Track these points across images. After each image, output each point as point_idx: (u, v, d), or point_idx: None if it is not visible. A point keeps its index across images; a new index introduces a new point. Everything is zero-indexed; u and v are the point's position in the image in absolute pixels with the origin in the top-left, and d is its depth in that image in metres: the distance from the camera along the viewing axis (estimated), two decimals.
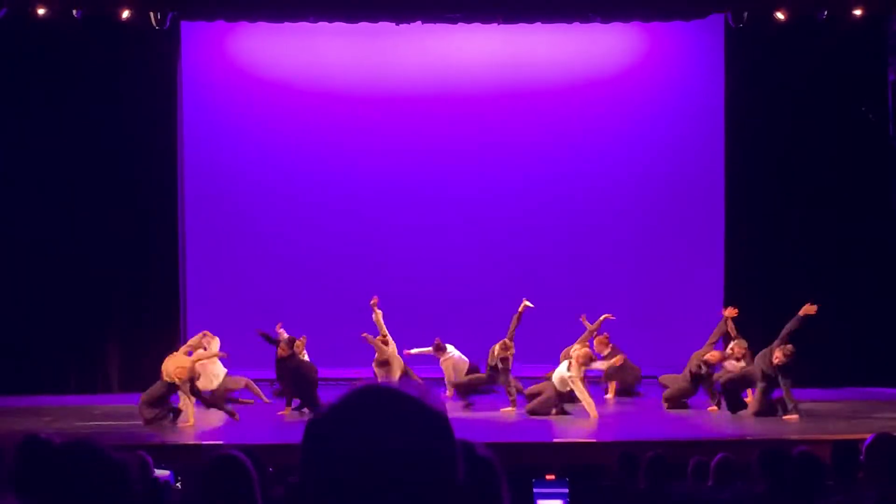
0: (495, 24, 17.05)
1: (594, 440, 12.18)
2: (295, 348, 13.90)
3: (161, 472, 7.74)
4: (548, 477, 3.82)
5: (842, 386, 16.14)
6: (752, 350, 14.03)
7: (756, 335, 16.80)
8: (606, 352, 15.11)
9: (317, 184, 18.42)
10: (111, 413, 14.13)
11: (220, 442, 11.94)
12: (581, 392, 13.33)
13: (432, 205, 18.45)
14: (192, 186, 17.65)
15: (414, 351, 15.21)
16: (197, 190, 17.80)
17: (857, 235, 16.74)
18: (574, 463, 9.65)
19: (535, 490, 3.74)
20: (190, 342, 14.28)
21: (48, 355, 15.94)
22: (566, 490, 3.79)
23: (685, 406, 14.16)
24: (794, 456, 6.20)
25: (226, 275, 16.53)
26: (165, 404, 13.17)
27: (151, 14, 16.13)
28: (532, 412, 13.55)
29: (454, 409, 13.71)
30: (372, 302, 14.75)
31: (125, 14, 15.87)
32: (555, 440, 12.31)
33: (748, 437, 11.71)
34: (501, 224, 18.39)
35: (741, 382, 13.87)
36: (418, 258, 18.05)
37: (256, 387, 14.95)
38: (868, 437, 5.93)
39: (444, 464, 1.75)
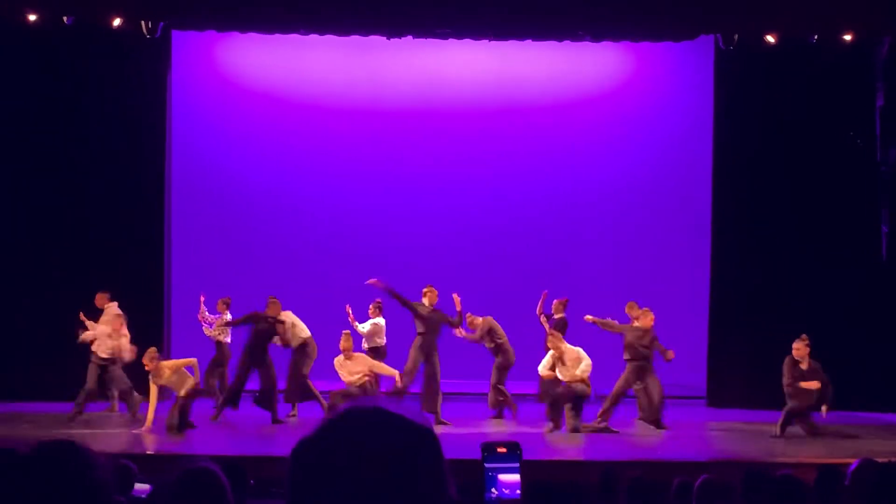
0: (486, 41, 17.07)
1: (575, 458, 12.10)
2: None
3: (141, 487, 7.60)
4: (499, 450, 3.79)
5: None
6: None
7: (742, 358, 16.82)
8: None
9: (303, 194, 18.44)
10: (92, 420, 14.07)
11: (205, 453, 11.87)
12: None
13: (419, 217, 18.46)
14: (178, 195, 17.62)
15: None
16: (184, 198, 17.77)
17: (844, 258, 16.75)
18: (553, 481, 9.59)
19: (486, 465, 3.72)
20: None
21: (28, 361, 15.85)
22: (517, 464, 3.76)
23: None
24: (775, 478, 6.18)
25: (211, 285, 16.49)
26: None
27: (143, 23, 16.12)
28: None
29: (437, 426, 13.69)
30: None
31: (116, 22, 15.85)
32: (533, 458, 12.24)
33: (733, 459, 11.65)
34: (487, 239, 18.40)
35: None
36: (402, 268, 18.02)
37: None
38: (853, 462, 5.91)
39: (433, 482, 1.73)
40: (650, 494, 7.33)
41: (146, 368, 13.28)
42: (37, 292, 16.17)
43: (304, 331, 14.70)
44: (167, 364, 13.38)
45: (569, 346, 13.83)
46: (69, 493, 2.32)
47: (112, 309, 14.78)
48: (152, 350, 13.38)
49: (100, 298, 14.89)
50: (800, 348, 13.60)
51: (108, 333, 14.40)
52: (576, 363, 13.66)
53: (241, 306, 15.60)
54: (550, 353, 13.89)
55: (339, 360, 14.39)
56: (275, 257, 18.16)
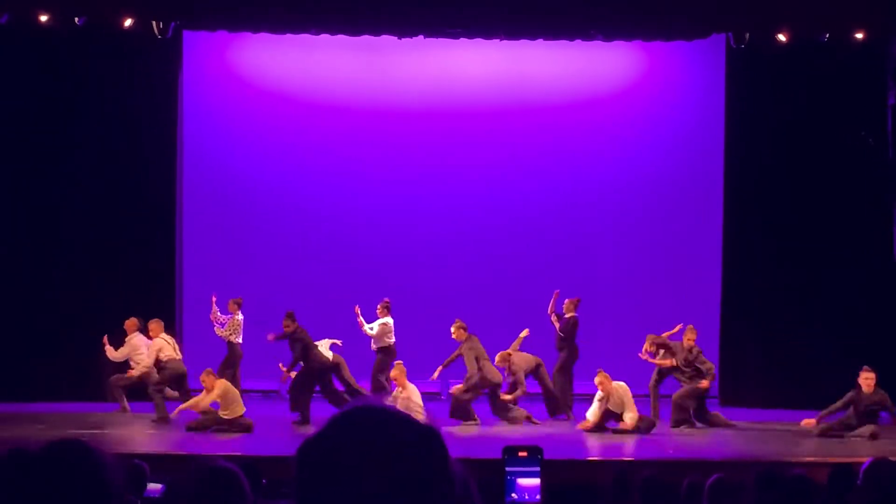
0: (497, 40, 17.06)
1: (588, 458, 12.09)
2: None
3: (154, 486, 7.62)
4: (520, 454, 3.80)
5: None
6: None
7: (754, 358, 16.77)
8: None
9: (314, 194, 18.42)
10: (106, 420, 14.11)
11: (216, 453, 11.88)
12: None
13: (429, 217, 18.44)
14: (189, 195, 17.64)
15: None
16: (194, 198, 17.78)
17: (856, 259, 16.70)
18: (567, 481, 9.58)
19: (507, 469, 3.73)
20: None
21: (42, 362, 15.88)
22: (538, 468, 3.78)
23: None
24: (787, 478, 6.16)
25: (223, 285, 16.49)
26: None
27: (154, 23, 16.15)
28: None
29: (451, 424, 13.70)
30: None
31: (127, 23, 15.89)
32: (546, 458, 12.19)
33: (746, 458, 11.60)
34: (498, 237, 18.37)
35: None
36: (412, 268, 18.02)
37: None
38: (866, 461, 5.90)
39: (438, 481, 1.73)
40: (664, 494, 7.31)
41: (202, 383, 13.69)
42: (42, 294, 16.20)
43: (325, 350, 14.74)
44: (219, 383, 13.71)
45: (616, 385, 13.79)
46: (79, 493, 2.31)
47: (133, 339, 14.97)
48: (208, 369, 13.91)
49: (129, 324, 15.08)
50: (869, 377, 13.64)
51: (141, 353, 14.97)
52: (620, 405, 13.69)
53: (253, 307, 15.63)
54: (598, 396, 13.87)
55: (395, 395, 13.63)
56: (286, 257, 18.14)
